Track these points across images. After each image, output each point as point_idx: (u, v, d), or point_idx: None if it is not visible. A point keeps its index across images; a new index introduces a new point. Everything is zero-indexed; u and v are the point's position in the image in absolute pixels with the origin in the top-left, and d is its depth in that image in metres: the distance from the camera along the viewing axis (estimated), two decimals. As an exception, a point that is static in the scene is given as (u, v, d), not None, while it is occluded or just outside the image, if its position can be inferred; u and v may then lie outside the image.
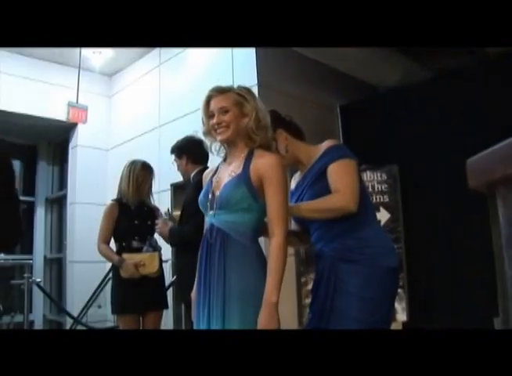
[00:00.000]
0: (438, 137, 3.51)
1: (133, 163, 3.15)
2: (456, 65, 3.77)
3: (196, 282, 1.82)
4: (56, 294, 5.66)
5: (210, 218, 1.80)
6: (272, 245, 1.67)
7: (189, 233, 2.75)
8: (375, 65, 3.94)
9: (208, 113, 1.84)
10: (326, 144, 2.02)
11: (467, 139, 3.28)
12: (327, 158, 1.95)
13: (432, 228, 3.49)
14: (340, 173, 1.91)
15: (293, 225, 2.13)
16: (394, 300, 1.97)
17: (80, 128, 5.32)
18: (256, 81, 3.61)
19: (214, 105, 1.81)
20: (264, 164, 1.74)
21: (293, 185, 2.17)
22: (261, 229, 1.79)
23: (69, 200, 5.40)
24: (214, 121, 1.80)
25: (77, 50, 4.78)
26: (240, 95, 1.82)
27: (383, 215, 3.59)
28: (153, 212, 3.16)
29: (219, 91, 1.84)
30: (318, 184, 1.96)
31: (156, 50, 4.97)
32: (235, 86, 1.88)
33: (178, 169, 3.10)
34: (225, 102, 1.80)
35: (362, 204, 1.89)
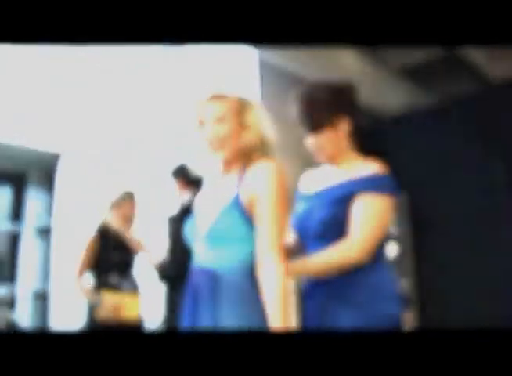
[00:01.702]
0: (448, 165, 3.36)
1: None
2: (460, 91, 3.66)
3: None
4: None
5: (197, 255, 1.49)
6: (266, 283, 1.32)
7: (158, 270, 2.60)
8: (378, 91, 3.83)
9: (199, 123, 1.53)
10: (371, 168, 1.72)
11: (480, 167, 3.17)
12: (363, 185, 1.65)
13: (444, 260, 3.28)
14: (365, 212, 1.60)
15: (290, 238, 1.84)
16: None
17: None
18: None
19: (207, 113, 1.49)
20: (253, 178, 1.41)
21: (313, 185, 1.83)
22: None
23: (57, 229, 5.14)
24: (207, 133, 1.48)
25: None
26: (240, 102, 1.50)
27: (391, 248, 3.36)
28: (138, 245, 2.93)
29: (214, 96, 1.51)
30: (337, 207, 1.65)
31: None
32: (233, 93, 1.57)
33: None
34: (220, 109, 1.47)
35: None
